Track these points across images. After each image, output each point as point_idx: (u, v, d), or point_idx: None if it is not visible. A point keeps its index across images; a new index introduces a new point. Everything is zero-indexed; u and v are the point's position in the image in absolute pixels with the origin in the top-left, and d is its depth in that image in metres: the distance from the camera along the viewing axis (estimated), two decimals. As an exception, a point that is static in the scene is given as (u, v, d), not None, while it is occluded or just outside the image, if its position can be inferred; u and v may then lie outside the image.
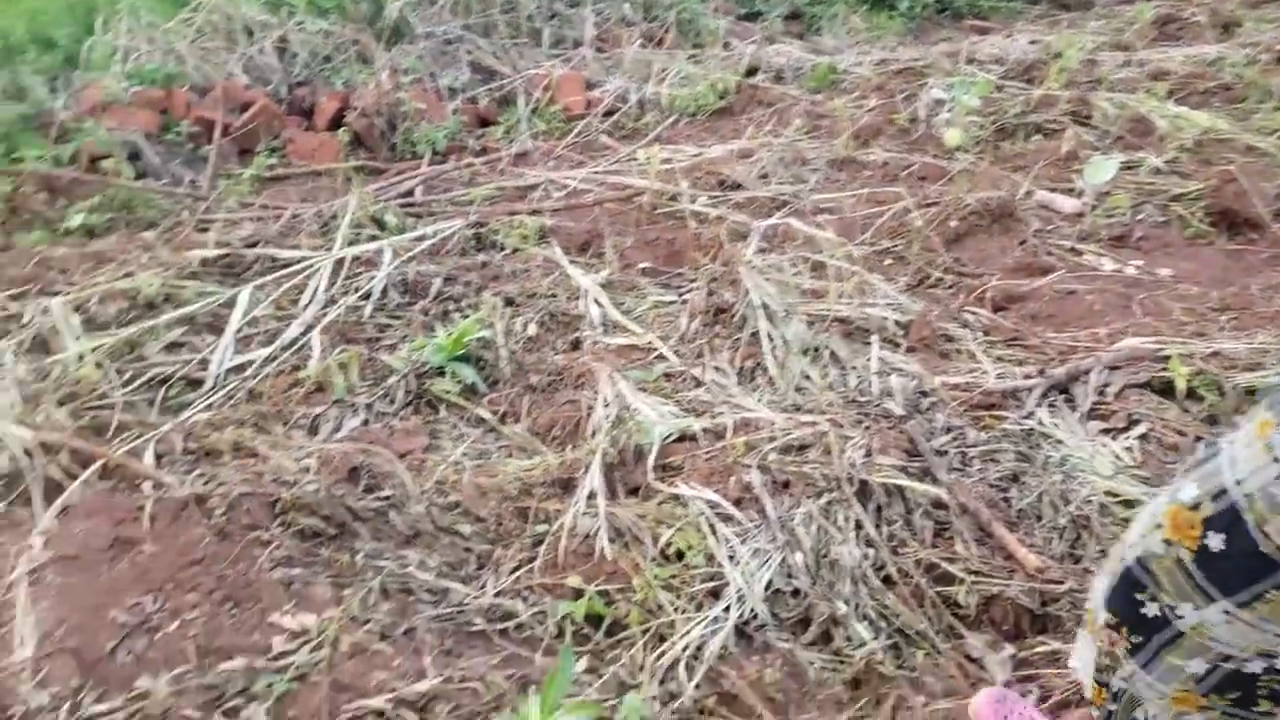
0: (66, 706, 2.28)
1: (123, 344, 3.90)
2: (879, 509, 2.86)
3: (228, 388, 3.75)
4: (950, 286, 4.39)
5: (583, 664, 2.46)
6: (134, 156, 5.75)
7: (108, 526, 2.87)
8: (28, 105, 5.74)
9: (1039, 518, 2.87)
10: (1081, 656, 1.68)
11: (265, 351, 3.91)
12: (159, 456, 3.30)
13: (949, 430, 3.19)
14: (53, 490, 3.15)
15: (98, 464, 3.23)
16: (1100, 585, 1.62)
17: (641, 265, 4.65)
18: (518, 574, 2.84)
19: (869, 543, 2.76)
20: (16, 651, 2.46)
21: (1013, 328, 3.93)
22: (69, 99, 6.02)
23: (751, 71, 7.32)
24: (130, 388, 3.70)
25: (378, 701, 2.24)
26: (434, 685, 2.28)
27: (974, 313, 4.07)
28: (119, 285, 4.22)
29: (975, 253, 4.66)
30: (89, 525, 2.89)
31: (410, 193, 5.48)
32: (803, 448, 3.12)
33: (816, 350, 3.73)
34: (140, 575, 2.69)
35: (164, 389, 3.75)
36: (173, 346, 3.98)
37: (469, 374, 3.74)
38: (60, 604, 2.60)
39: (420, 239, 4.73)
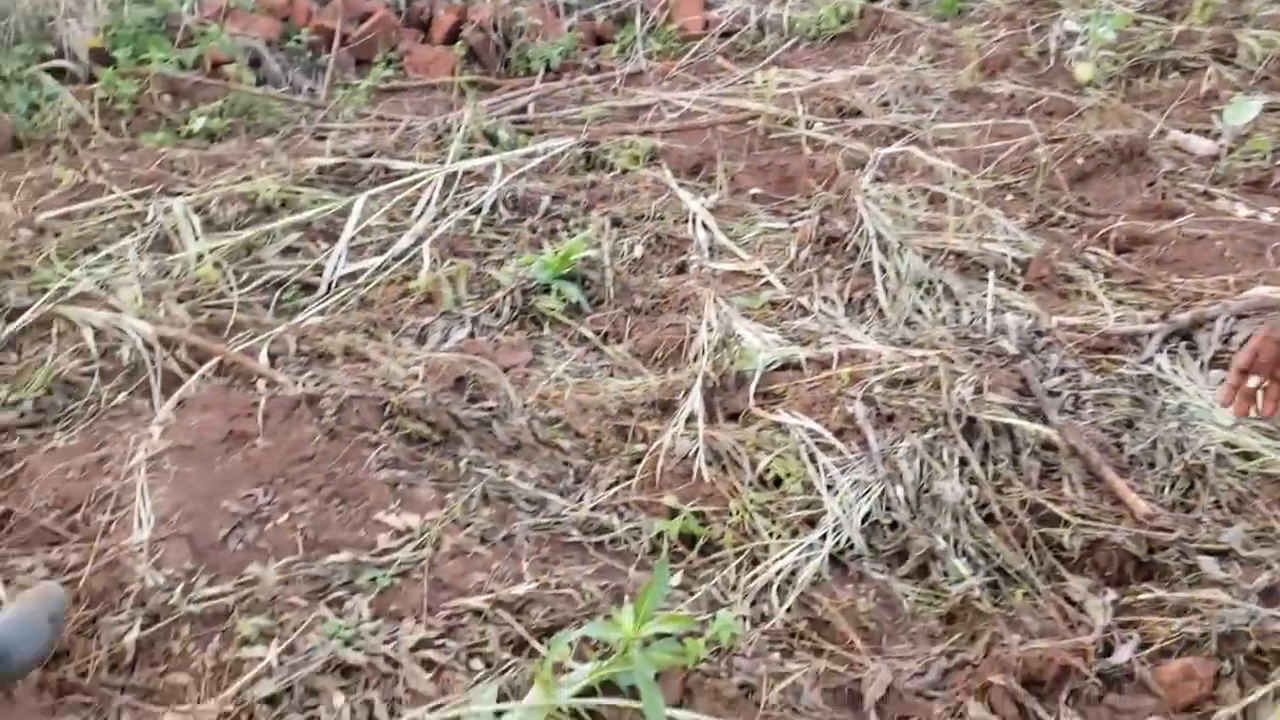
0: (180, 587, 2.40)
1: (240, 246, 4.03)
2: (986, 447, 2.84)
3: (340, 294, 3.85)
4: (1073, 226, 4.27)
5: (675, 580, 2.50)
6: (255, 63, 5.87)
7: (223, 420, 2.99)
8: (155, 9, 5.87)
9: (1151, 465, 2.81)
10: None
11: (377, 260, 4.00)
12: (273, 357, 3.42)
13: (1063, 372, 3.13)
14: (171, 383, 3.29)
15: (214, 360, 3.36)
16: None
17: (753, 191, 4.62)
18: (614, 490, 2.89)
19: (973, 480, 2.74)
20: (135, 533, 2.59)
21: (1136, 271, 3.83)
22: (195, 4, 6.15)
23: (876, -4, 7.14)
24: (247, 289, 3.83)
25: (476, 601, 2.31)
26: (530, 589, 2.35)
27: (1096, 253, 3.97)
28: (238, 189, 4.34)
29: (1101, 192, 4.53)
30: (205, 418, 3.01)
31: (523, 109, 5.50)
32: (910, 382, 3.09)
33: (930, 284, 3.68)
34: (252, 468, 2.80)
35: (279, 292, 3.87)
36: (288, 251, 4.10)
37: (574, 292, 3.78)
38: (176, 491, 2.73)
39: (531, 156, 4.76)
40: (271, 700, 2.08)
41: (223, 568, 2.48)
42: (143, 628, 2.32)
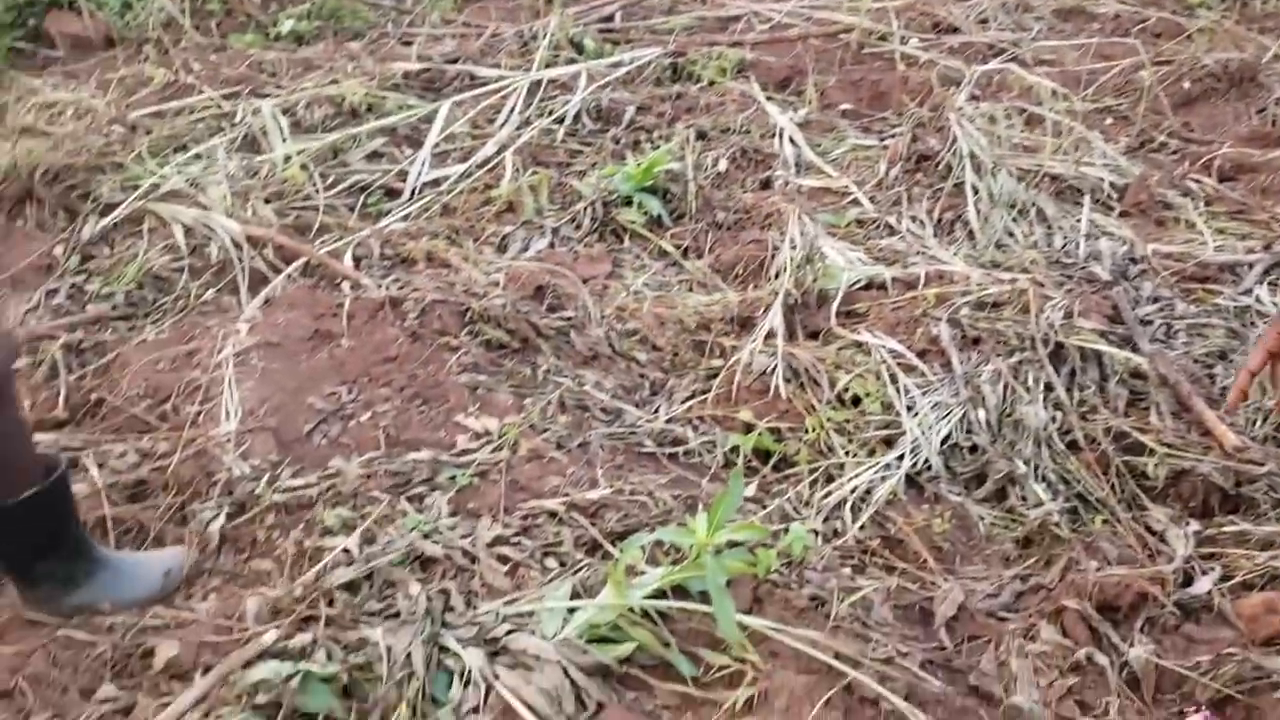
0: (265, 478, 2.48)
1: (326, 149, 4.07)
2: (1072, 373, 2.80)
3: (423, 200, 3.88)
4: (1175, 152, 4.15)
5: (749, 493, 2.52)
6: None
7: (308, 319, 3.06)
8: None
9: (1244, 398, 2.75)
10: None
11: (460, 168, 4.02)
12: (357, 259, 3.48)
13: (1156, 300, 3.07)
14: (258, 281, 3.37)
15: (301, 261, 3.43)
16: None
17: (843, 106, 4.55)
18: (690, 404, 2.92)
19: (1057, 406, 2.71)
20: (222, 425, 2.68)
21: (1239, 200, 3.71)
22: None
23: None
24: (332, 192, 3.89)
25: (552, 503, 2.36)
26: (605, 495, 2.39)
27: (1198, 181, 3.85)
28: (325, 92, 4.38)
29: (1207, 118, 4.39)
30: (291, 316, 3.09)
31: (610, 18, 5.45)
32: (997, 305, 3.05)
33: (1023, 206, 3.61)
34: (337, 366, 2.87)
35: (363, 196, 3.92)
36: (373, 155, 4.14)
37: (655, 206, 3.78)
38: (262, 386, 2.81)
39: (616, 65, 4.73)
40: (350, 587, 2.15)
41: (307, 461, 2.55)
42: (229, 516, 2.41)
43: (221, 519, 2.39)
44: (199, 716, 1.88)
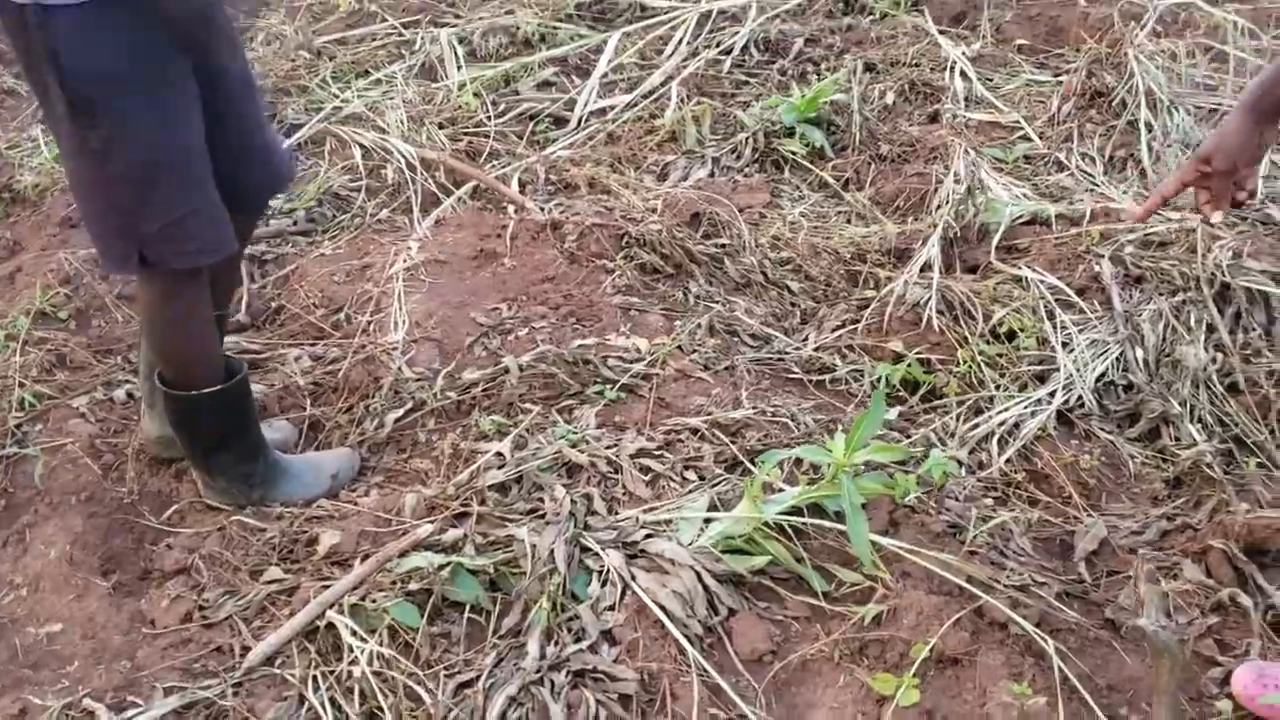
0: (428, 383, 2.60)
1: (500, 77, 4.17)
2: (1237, 315, 2.68)
3: (589, 129, 3.94)
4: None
5: (894, 418, 2.51)
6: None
7: (474, 239, 3.17)
8: None
9: None
10: None
11: (626, 97, 4.06)
12: (523, 184, 3.57)
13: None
14: (429, 202, 3.50)
15: (470, 184, 3.54)
16: None
17: (1018, 42, 4.39)
18: (840, 333, 2.91)
19: (1219, 347, 2.60)
20: (391, 334, 2.81)
21: None
22: None
23: None
24: (503, 119, 3.99)
25: (695, 420, 2.40)
26: (747, 415, 2.42)
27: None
28: (500, 21, 4.47)
29: None
30: (459, 236, 3.20)
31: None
32: (1164, 244, 2.93)
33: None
34: (499, 284, 2.97)
35: (532, 123, 4.00)
36: (544, 84, 4.22)
37: (818, 137, 3.74)
38: (429, 300, 2.93)
39: (786, -2, 4.67)
40: (500, 488, 2.25)
41: (468, 370, 2.66)
42: (394, 418, 2.54)
43: (388, 420, 2.53)
44: (356, 599, 2.01)
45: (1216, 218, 1.77)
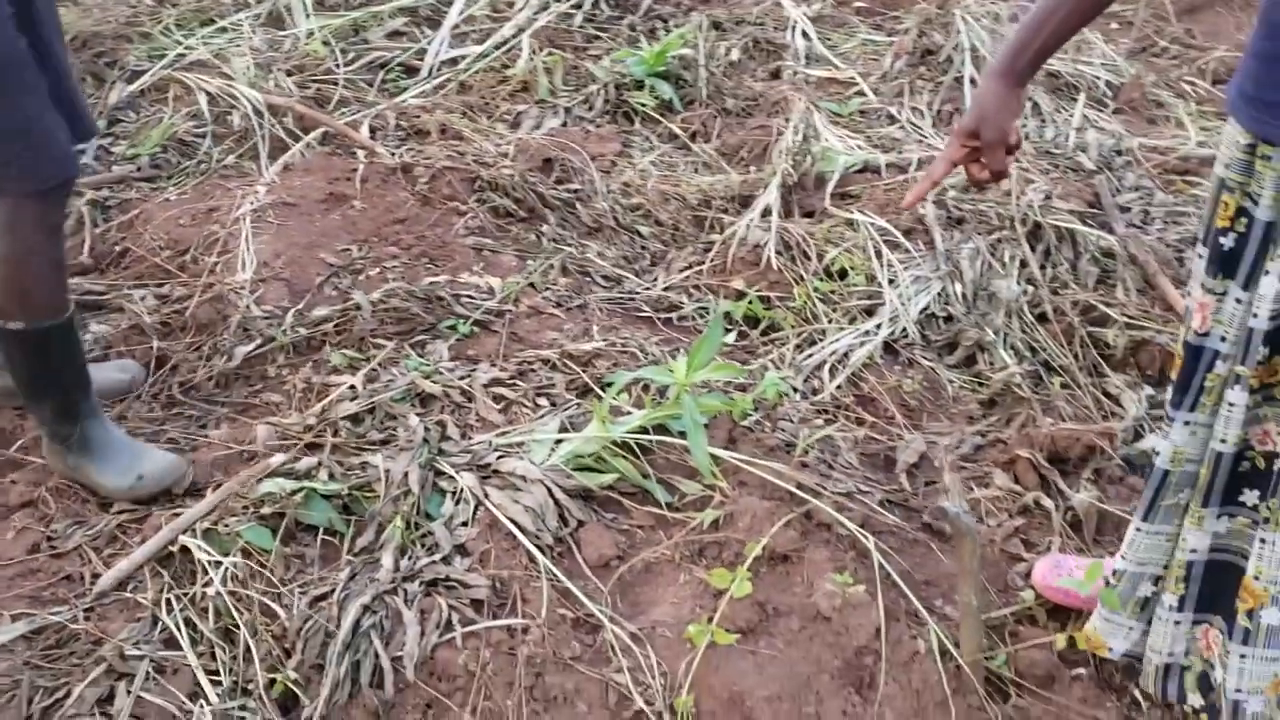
0: (278, 320, 2.59)
1: (348, 26, 4.13)
2: (1047, 252, 2.87)
3: (440, 78, 3.94)
4: (1174, 57, 4.16)
5: (735, 344, 2.62)
6: None
7: (324, 183, 3.15)
8: None
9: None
10: None
11: (478, 49, 4.07)
12: (373, 130, 3.55)
13: (1137, 189, 3.13)
14: (277, 149, 3.45)
15: (319, 130, 3.51)
16: None
17: (856, 4, 4.55)
18: (686, 273, 3.01)
19: (1030, 281, 2.79)
20: (239, 274, 2.79)
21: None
22: None
23: None
24: (352, 67, 3.95)
25: (547, 353, 2.47)
26: (598, 346, 2.49)
27: (1192, 83, 3.87)
28: (349, -29, 4.41)
29: (1209, 26, 4.38)
30: (307, 180, 3.18)
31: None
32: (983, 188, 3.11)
33: (960, 122, 3.65)
34: (349, 226, 2.97)
35: (382, 72, 3.98)
36: (394, 34, 4.19)
37: (667, 90, 3.83)
38: (278, 241, 2.91)
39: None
40: (354, 419, 2.27)
41: (317, 308, 2.66)
42: (242, 354, 2.53)
43: (236, 355, 2.52)
44: (209, 525, 2.02)
45: (1007, 184, 1.79)
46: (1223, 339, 1.57)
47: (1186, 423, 1.63)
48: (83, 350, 2.19)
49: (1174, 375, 1.67)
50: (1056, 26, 1.56)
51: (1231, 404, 1.54)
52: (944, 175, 1.70)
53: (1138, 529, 1.74)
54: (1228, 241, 1.54)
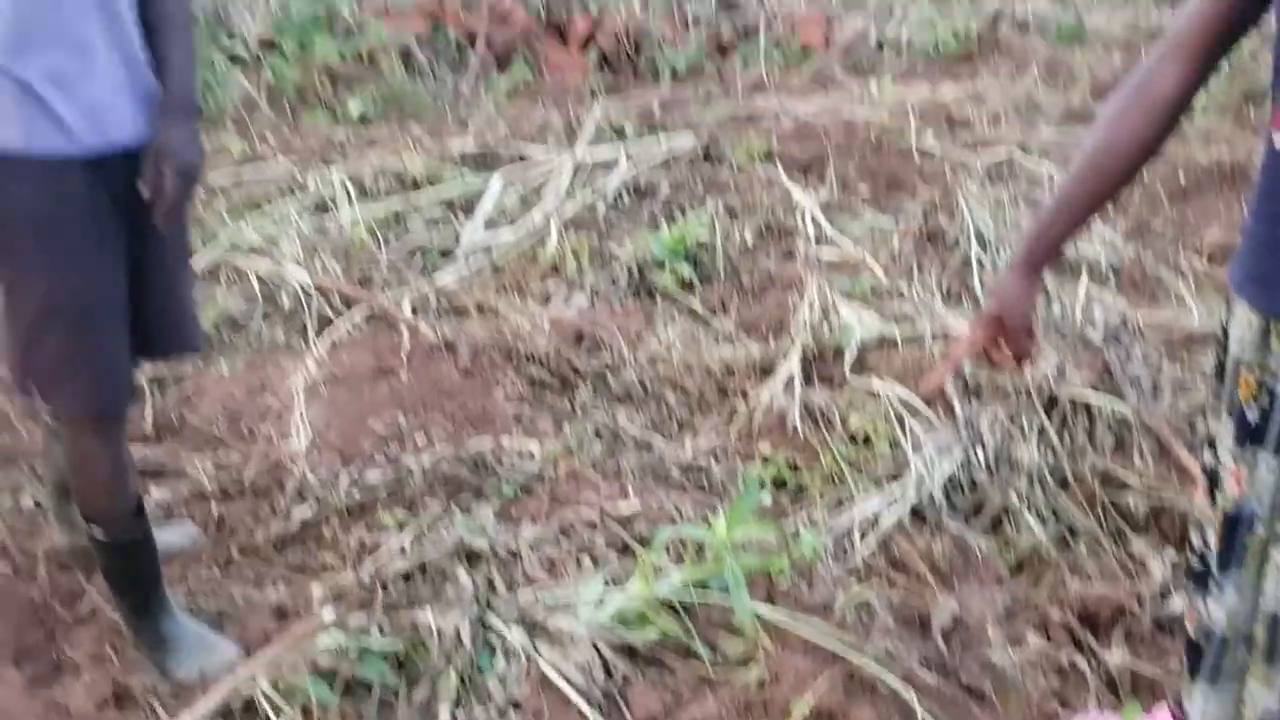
0: (331, 486, 2.69)
1: (389, 214, 4.36)
2: (1064, 420, 2.98)
3: (475, 261, 4.14)
4: (1169, 237, 4.37)
5: (767, 506, 2.70)
6: (407, 57, 6.26)
7: (370, 358, 3.30)
8: (320, 4, 6.31)
9: (1223, 448, 2.92)
10: None
11: (510, 234, 4.28)
12: (414, 308, 3.72)
13: (1145, 361, 3.26)
14: (325, 326, 3.61)
15: (364, 308, 3.68)
16: None
17: (862, 192, 4.80)
18: (713, 439, 3.11)
19: (1050, 448, 2.89)
20: (293, 442, 2.90)
21: (1227, 279, 3.91)
22: (355, 1, 6.58)
23: (995, 20, 7.25)
24: (393, 251, 4.16)
25: (588, 513, 2.55)
26: (636, 508, 2.58)
27: (1189, 261, 4.06)
28: (389, 164, 4.69)
29: (1200, 208, 4.60)
30: (354, 356, 3.33)
31: (649, 108, 5.77)
32: (997, 360, 3.24)
33: (984, 310, 3.82)
34: (396, 398, 3.10)
35: (421, 256, 4.18)
36: (431, 222, 4.42)
37: (686, 270, 4.02)
38: (328, 413, 3.04)
39: (654, 149, 5.02)
40: (405, 576, 2.34)
41: (369, 473, 2.76)
42: (298, 517, 2.62)
43: (293, 517, 2.60)
44: (268, 679, 2.06)
45: (1029, 368, 1.84)
46: (1258, 502, 1.63)
47: (1234, 585, 1.68)
48: (157, 556, 2.22)
49: (1210, 541, 1.71)
50: (1072, 215, 1.68)
51: (1278, 565, 1.60)
52: (965, 359, 1.77)
53: (1203, 693, 1.74)
54: (1253, 415, 1.61)
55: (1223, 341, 1.69)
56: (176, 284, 2.18)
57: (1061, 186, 1.70)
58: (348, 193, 4.40)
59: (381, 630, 2.18)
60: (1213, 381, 1.72)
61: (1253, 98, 5.67)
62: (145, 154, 1.94)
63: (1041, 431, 2.94)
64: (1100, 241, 4.14)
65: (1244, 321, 1.61)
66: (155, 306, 2.10)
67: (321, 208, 4.39)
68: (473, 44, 6.54)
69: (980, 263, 3.91)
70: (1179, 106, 1.60)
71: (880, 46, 6.87)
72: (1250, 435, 1.61)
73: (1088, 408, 3.01)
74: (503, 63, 6.60)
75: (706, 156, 5.10)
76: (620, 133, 5.21)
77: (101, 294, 1.97)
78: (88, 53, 1.86)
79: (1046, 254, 1.72)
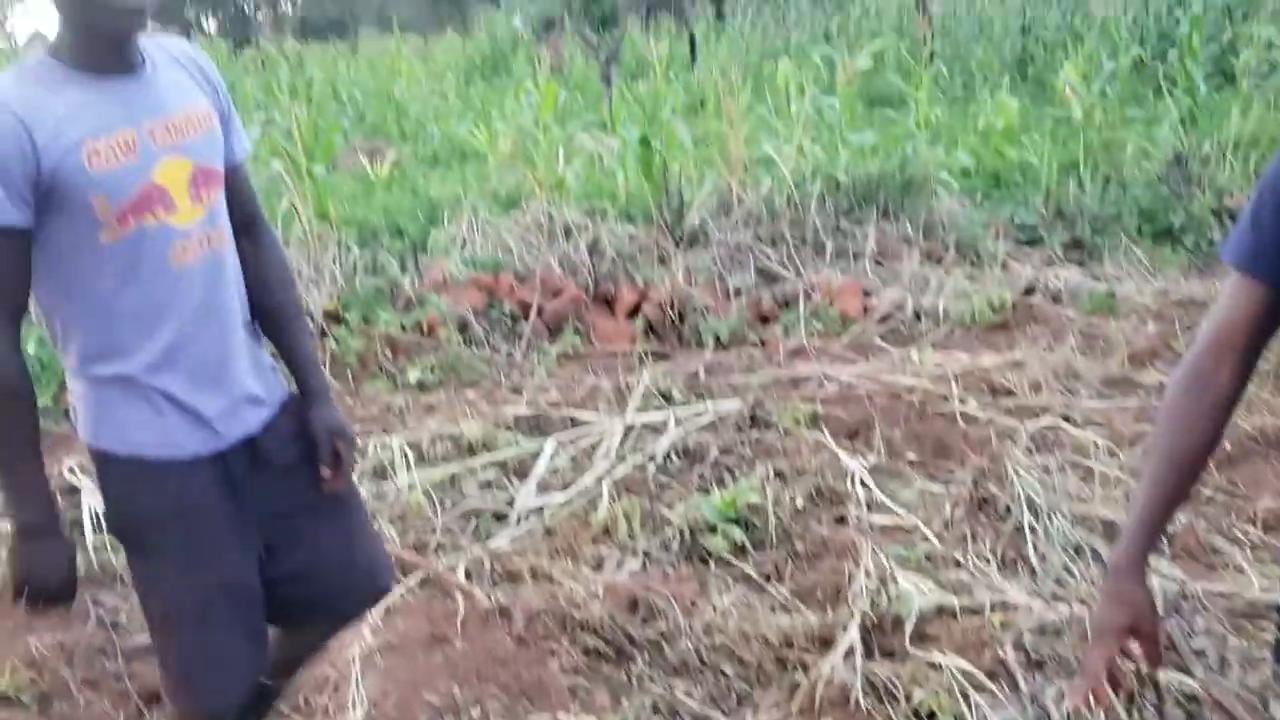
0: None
1: (445, 478, 4.44)
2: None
3: (528, 524, 4.18)
4: (1221, 505, 4.34)
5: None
6: (463, 327, 6.52)
7: (426, 625, 3.30)
8: (383, 279, 6.66)
9: (1300, 726, 2.82)
10: None
11: (561, 496, 4.34)
12: (469, 574, 3.74)
13: (1208, 633, 3.19)
14: (381, 591, 3.62)
15: (419, 574, 3.70)
16: None
17: (909, 456, 4.84)
18: (775, 714, 3.04)
19: None
20: (349, 714, 2.86)
21: (1282, 547, 3.87)
22: (415, 276, 6.93)
23: (1029, 291, 7.48)
24: (449, 515, 4.21)
25: (649, 792, 2.48)
26: (698, 787, 2.50)
27: (1243, 530, 4.03)
28: (447, 430, 4.81)
29: (1249, 475, 4.59)
30: (410, 623, 3.33)
31: (695, 374, 5.93)
32: (1058, 631, 3.19)
33: (1079, 546, 3.80)
34: (451, 667, 3.07)
35: (476, 520, 4.23)
36: (485, 485, 4.50)
37: (739, 534, 4.03)
38: (384, 682, 3.01)
39: (701, 413, 5.13)
40: None
41: (423, 747, 2.71)
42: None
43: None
44: None
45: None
46: None
47: None
48: None
49: None
50: (1161, 516, 1.74)
51: None
52: (1103, 671, 1.76)
53: None
54: None
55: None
56: (362, 534, 2.37)
57: (1147, 494, 1.75)
58: (406, 458, 4.50)
59: None
60: (1271, 662, 1.70)
61: (1291, 365, 5.75)
62: (316, 436, 2.18)
63: (1109, 708, 2.85)
64: (1152, 508, 4.12)
65: None
66: (339, 562, 2.25)
67: (380, 473, 4.48)
68: (526, 314, 6.81)
69: (1033, 529, 3.89)
70: (1237, 400, 1.67)
71: (918, 316, 7.06)
72: None
73: (1155, 682, 2.92)
74: (554, 332, 6.84)
75: (753, 421, 5.20)
76: (668, 397, 5.34)
77: (230, 583, 2.08)
78: (221, 359, 2.02)
79: (1145, 556, 1.76)
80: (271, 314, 2.16)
